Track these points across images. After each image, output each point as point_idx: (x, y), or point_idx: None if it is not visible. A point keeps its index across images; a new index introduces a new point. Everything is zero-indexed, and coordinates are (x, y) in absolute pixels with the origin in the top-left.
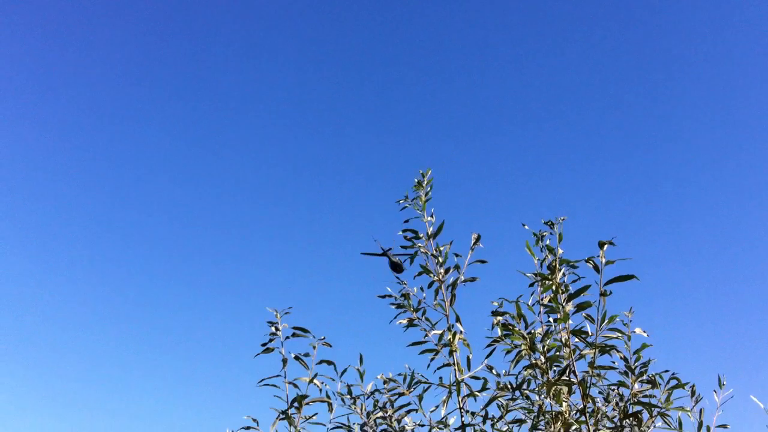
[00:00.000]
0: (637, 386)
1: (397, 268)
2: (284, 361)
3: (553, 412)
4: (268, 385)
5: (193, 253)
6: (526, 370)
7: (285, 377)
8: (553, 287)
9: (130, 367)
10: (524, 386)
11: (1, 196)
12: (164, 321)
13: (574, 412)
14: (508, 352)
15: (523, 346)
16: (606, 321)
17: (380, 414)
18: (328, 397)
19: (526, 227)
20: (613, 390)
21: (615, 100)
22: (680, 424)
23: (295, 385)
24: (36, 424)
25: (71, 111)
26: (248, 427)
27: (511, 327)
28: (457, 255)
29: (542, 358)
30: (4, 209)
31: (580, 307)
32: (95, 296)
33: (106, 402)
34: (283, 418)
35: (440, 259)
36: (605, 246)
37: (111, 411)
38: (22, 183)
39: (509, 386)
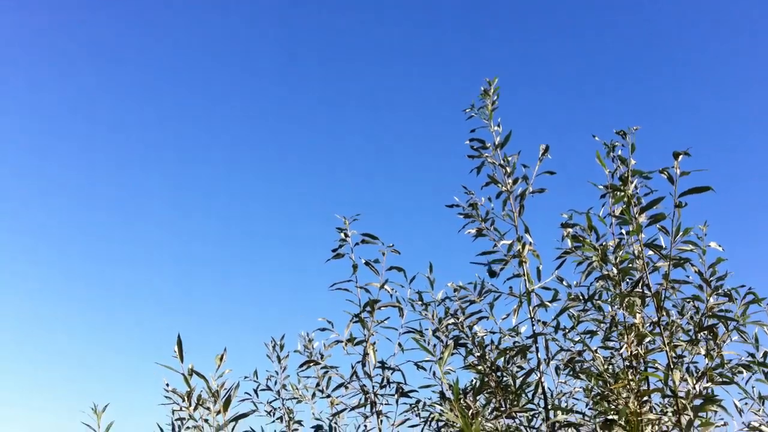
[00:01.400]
0: (712, 300)
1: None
2: (354, 266)
3: (627, 324)
4: (340, 289)
5: (262, 158)
6: (597, 282)
7: (356, 282)
8: (625, 199)
9: (207, 268)
10: (596, 297)
11: None
12: (239, 226)
13: (648, 324)
14: (579, 263)
15: (594, 258)
16: (680, 233)
17: (452, 320)
18: (398, 302)
19: (597, 138)
20: (688, 302)
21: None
22: (756, 339)
23: (367, 290)
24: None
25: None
26: (323, 329)
27: (581, 239)
28: (525, 166)
29: (614, 269)
30: None
31: (653, 219)
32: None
33: (178, 299)
34: (356, 321)
35: (508, 170)
36: (680, 156)
37: (189, 312)
38: None
39: (581, 297)
